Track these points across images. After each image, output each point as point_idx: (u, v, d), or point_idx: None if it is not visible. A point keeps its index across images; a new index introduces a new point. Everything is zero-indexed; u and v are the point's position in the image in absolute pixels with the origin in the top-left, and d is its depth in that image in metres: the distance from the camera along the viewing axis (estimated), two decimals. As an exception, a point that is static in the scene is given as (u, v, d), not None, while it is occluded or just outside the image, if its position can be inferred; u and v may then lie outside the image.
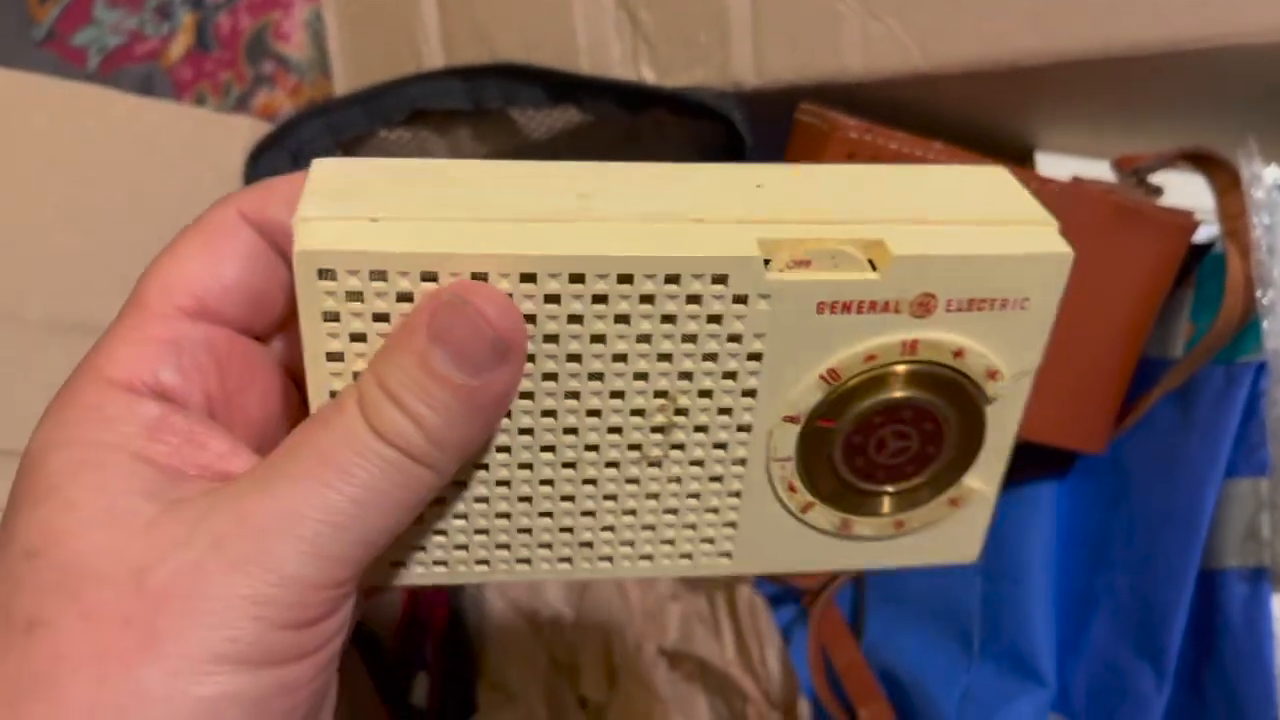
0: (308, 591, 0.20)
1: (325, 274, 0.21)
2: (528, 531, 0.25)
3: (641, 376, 0.24)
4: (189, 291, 0.23)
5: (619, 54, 0.48)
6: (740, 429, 0.25)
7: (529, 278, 0.22)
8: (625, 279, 0.22)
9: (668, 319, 0.23)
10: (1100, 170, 0.48)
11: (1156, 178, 0.46)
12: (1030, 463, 0.50)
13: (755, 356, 0.24)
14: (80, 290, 0.46)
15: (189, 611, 0.19)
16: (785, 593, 0.53)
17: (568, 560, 0.26)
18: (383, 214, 0.22)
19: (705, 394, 0.24)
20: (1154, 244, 0.45)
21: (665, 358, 0.23)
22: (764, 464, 0.25)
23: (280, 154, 0.49)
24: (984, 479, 0.26)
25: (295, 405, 0.26)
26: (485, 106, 0.49)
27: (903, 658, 0.50)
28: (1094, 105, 0.48)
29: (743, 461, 0.25)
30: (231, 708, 0.19)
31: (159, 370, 0.22)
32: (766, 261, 0.22)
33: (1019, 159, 0.52)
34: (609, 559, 0.26)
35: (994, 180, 0.26)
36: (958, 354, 0.24)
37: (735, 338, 0.23)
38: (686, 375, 0.24)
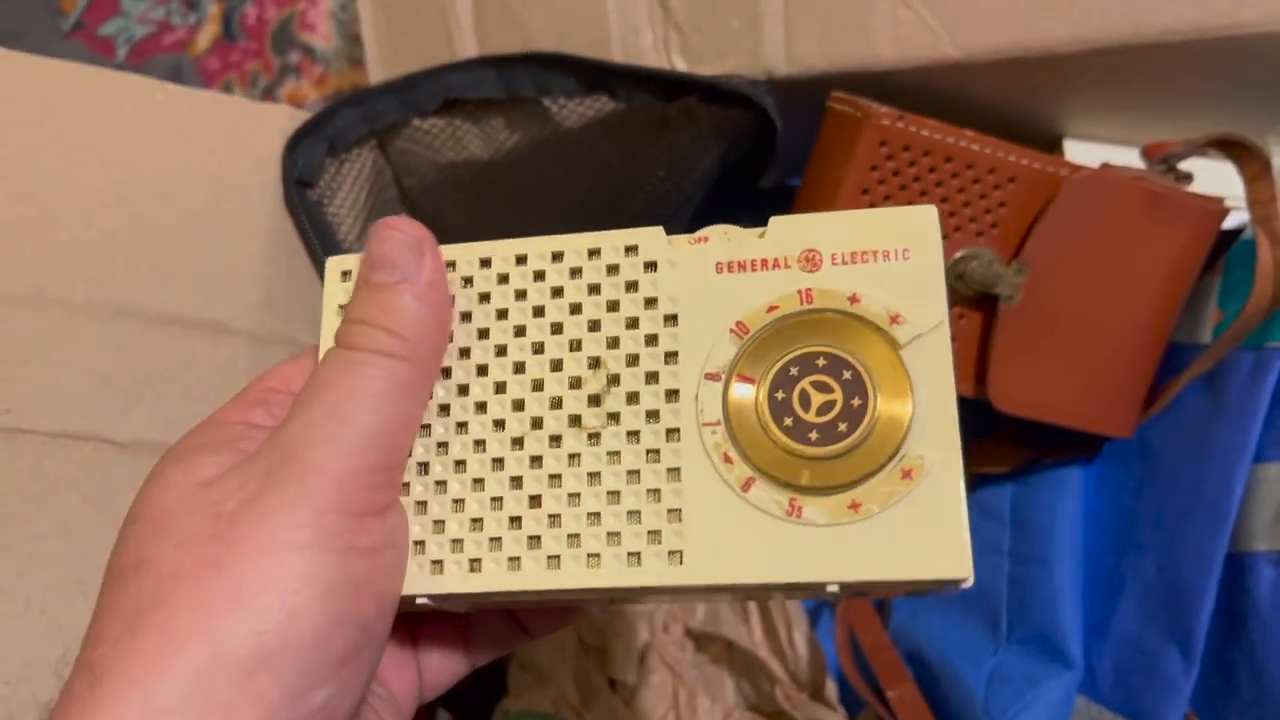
0: (342, 479, 0.25)
1: (345, 275, 0.29)
2: (479, 524, 0.27)
3: (576, 345, 0.27)
4: (279, 378, 0.30)
5: (651, 42, 0.49)
6: (669, 395, 0.27)
7: (486, 262, 0.28)
8: (558, 256, 0.28)
9: (593, 289, 0.28)
10: (1129, 158, 0.48)
11: (1185, 165, 0.47)
12: (1059, 447, 0.50)
13: (671, 319, 0.27)
14: (121, 275, 0.46)
15: (257, 518, 0.24)
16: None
17: (516, 561, 0.26)
18: None
19: (633, 360, 0.27)
20: (1184, 230, 0.45)
21: (595, 326, 0.27)
22: (696, 434, 0.26)
23: (317, 142, 0.49)
24: (933, 445, 0.25)
25: None
26: (518, 95, 0.49)
27: (930, 640, 0.50)
28: (1123, 93, 0.48)
29: (676, 433, 0.26)
30: (306, 589, 0.24)
31: (251, 413, 0.28)
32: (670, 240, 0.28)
33: (1048, 147, 0.52)
34: (556, 559, 0.26)
35: None
36: (853, 299, 0.26)
37: (651, 301, 0.27)
38: (614, 342, 0.27)
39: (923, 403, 0.25)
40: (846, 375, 0.26)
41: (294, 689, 0.23)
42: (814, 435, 0.26)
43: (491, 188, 0.53)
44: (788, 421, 0.26)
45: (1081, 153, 0.52)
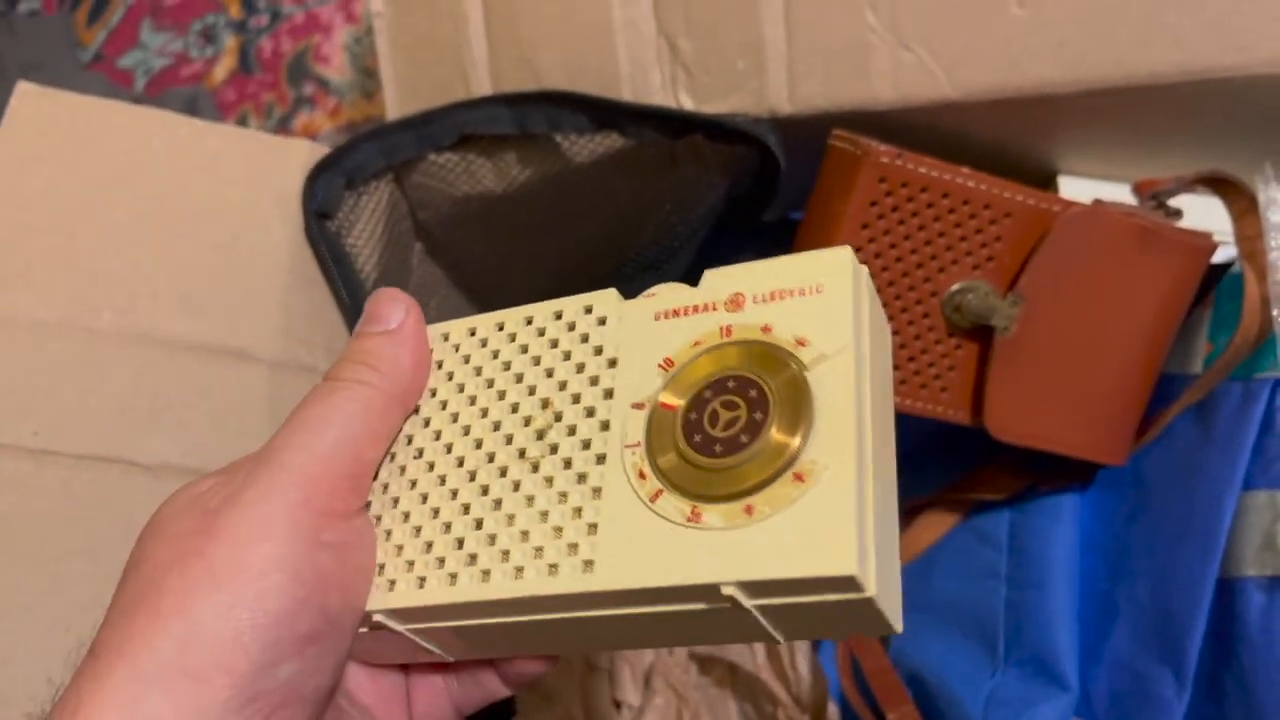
0: (314, 481, 0.28)
1: None
2: (430, 546, 0.30)
3: (532, 390, 0.31)
4: None
5: (659, 81, 0.50)
6: (603, 425, 0.29)
7: (473, 331, 0.33)
8: (529, 320, 0.32)
9: (554, 343, 0.31)
10: (1121, 194, 0.49)
11: (1175, 201, 0.48)
12: (1054, 473, 0.51)
13: (612, 362, 0.30)
14: (147, 303, 0.48)
15: (237, 512, 0.27)
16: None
17: (454, 578, 0.29)
18: None
19: (576, 399, 0.30)
20: (1174, 264, 0.47)
21: (550, 373, 0.31)
22: (619, 457, 0.28)
23: (336, 176, 0.51)
24: (827, 453, 0.26)
25: None
26: (531, 132, 0.51)
27: (929, 663, 0.51)
28: (1115, 132, 0.50)
29: (603, 458, 0.29)
30: (276, 572, 0.27)
31: None
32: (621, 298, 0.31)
33: (1042, 183, 0.53)
34: (488, 573, 0.28)
35: None
36: (765, 329, 0.29)
37: (598, 349, 0.30)
38: (564, 385, 0.30)
39: (822, 416, 0.27)
40: (752, 393, 0.28)
41: (261, 662, 0.26)
42: (718, 448, 0.27)
43: (504, 221, 0.54)
44: (697, 438, 0.28)
45: (1075, 189, 0.53)
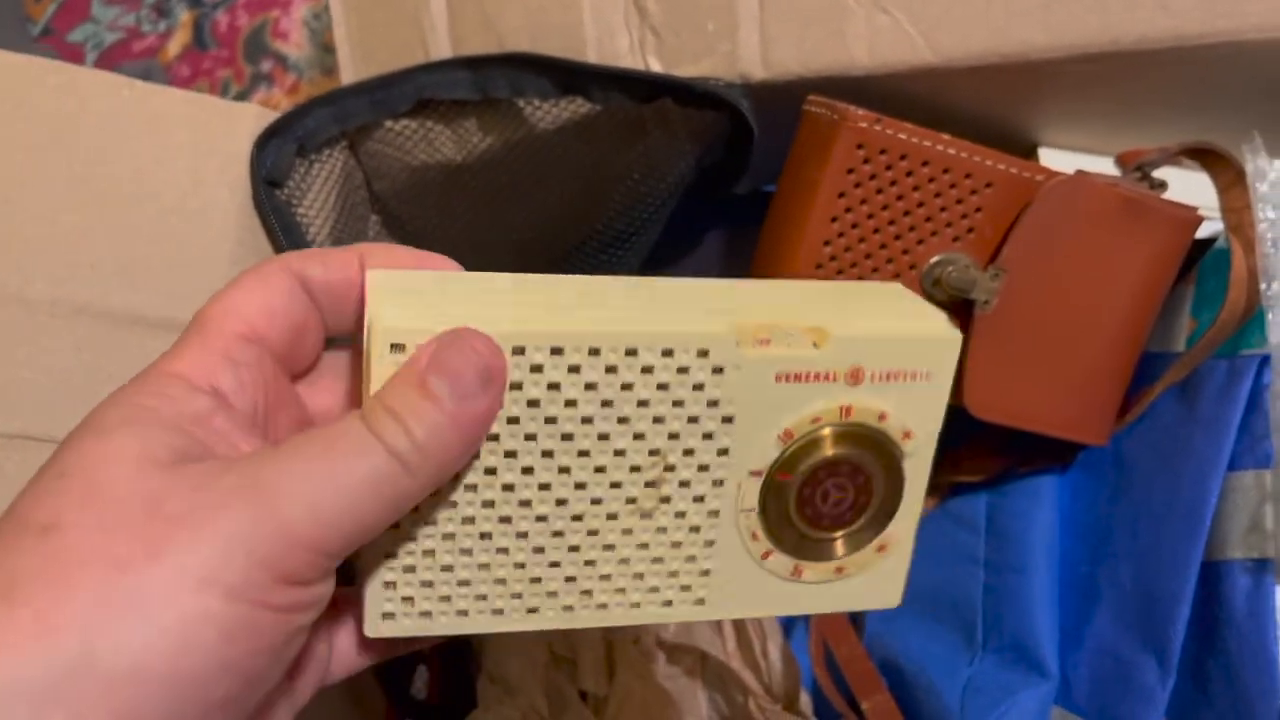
0: (296, 549, 0.24)
1: (395, 348, 0.26)
2: (538, 581, 0.30)
3: (640, 436, 0.29)
4: (244, 318, 0.28)
5: (627, 45, 0.48)
6: (715, 483, 0.30)
7: (558, 350, 0.27)
8: (631, 353, 0.28)
9: (663, 386, 0.29)
10: (1104, 168, 0.48)
11: (1159, 174, 0.47)
12: (1033, 454, 0.50)
13: (728, 419, 0.30)
14: (85, 273, 0.45)
15: (195, 539, 0.23)
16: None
17: (570, 609, 0.31)
18: (441, 306, 0.27)
19: (689, 452, 0.30)
20: (1159, 236, 0.45)
21: (659, 420, 0.29)
22: (733, 515, 0.31)
23: (286, 142, 0.49)
24: (902, 528, 0.32)
25: None
26: (492, 97, 0.49)
27: (905, 650, 0.50)
28: (1099, 102, 0.48)
29: (716, 513, 0.31)
30: (208, 627, 0.22)
31: (218, 376, 0.27)
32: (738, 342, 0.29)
33: (1023, 155, 0.52)
34: (604, 606, 0.31)
35: (893, 290, 0.34)
36: (882, 417, 0.31)
37: (714, 403, 0.29)
38: (675, 435, 0.29)
39: (907, 498, 0.32)
40: (860, 479, 0.31)
41: None
42: (825, 522, 0.32)
43: (464, 191, 0.52)
44: (808, 511, 0.31)
45: (1056, 161, 0.52)
